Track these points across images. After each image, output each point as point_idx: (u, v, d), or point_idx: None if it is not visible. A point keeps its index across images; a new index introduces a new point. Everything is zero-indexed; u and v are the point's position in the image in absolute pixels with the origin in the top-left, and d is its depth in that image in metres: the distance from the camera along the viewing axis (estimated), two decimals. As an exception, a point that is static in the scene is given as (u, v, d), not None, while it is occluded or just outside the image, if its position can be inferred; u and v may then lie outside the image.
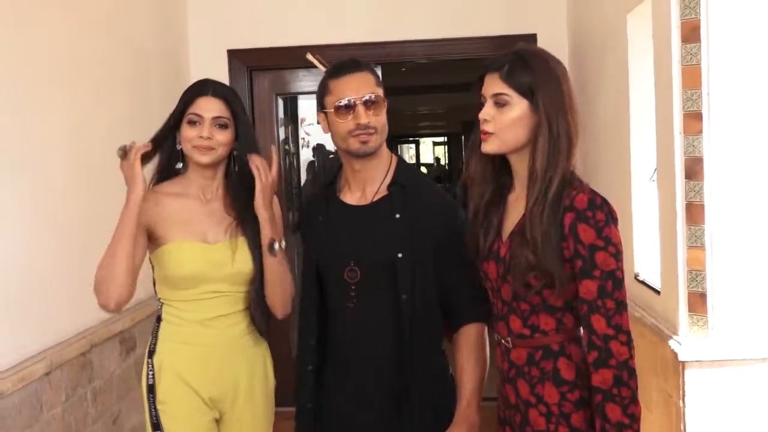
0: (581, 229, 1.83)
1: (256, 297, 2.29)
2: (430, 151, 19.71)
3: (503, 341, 1.98)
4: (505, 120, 1.91)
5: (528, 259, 1.85)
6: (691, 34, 2.59)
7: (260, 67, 4.73)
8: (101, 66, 3.42)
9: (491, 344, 2.14)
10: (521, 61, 1.92)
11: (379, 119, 2.15)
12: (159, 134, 2.32)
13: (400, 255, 2.09)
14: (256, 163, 2.24)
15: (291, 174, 6.07)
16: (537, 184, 1.87)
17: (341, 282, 2.15)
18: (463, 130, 14.33)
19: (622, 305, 1.86)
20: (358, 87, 2.14)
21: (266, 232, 2.25)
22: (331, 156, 9.60)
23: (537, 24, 4.59)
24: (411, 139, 18.64)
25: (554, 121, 1.88)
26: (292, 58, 4.71)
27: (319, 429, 2.22)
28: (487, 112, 1.92)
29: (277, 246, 2.26)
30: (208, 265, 2.22)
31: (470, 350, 2.12)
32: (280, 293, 2.31)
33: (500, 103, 1.91)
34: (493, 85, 1.92)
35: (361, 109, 2.13)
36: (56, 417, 2.83)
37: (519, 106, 1.90)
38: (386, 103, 2.19)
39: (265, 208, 2.25)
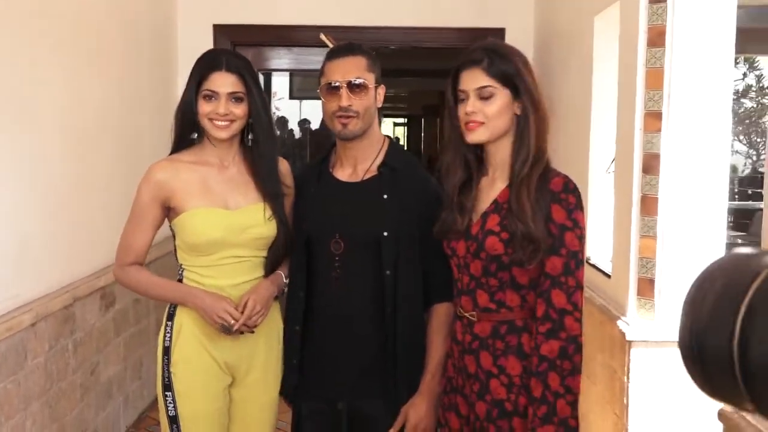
0: (554, 210, 1.87)
1: (273, 262, 2.23)
2: (390, 131, 19.65)
3: (467, 315, 1.99)
4: (493, 110, 1.92)
5: (519, 228, 1.86)
6: (656, 38, 2.61)
7: (244, 42, 4.64)
8: (96, 36, 3.34)
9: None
10: (497, 53, 1.94)
11: (362, 103, 2.11)
12: (181, 115, 2.20)
13: (385, 233, 2.08)
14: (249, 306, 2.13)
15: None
16: (528, 163, 1.90)
17: (327, 252, 2.14)
18: (423, 113, 14.32)
19: (579, 285, 1.88)
20: (346, 71, 2.12)
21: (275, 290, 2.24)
22: (297, 137, 9.57)
23: (505, 18, 4.58)
24: (373, 118, 18.53)
25: (539, 105, 1.93)
26: (273, 35, 4.65)
27: (303, 385, 2.22)
28: (473, 104, 1.92)
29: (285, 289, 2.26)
30: (228, 230, 2.14)
31: (439, 327, 2.13)
32: None
33: (485, 96, 1.92)
34: (476, 79, 1.92)
35: (344, 92, 2.10)
36: (39, 366, 2.78)
37: (503, 95, 1.92)
38: (376, 88, 2.16)
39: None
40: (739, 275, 0.76)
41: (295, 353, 2.22)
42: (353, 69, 2.12)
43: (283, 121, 9.31)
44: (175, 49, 4.47)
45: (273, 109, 8.49)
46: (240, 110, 2.16)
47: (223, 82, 2.14)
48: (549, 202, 1.87)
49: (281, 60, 4.98)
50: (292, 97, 9.07)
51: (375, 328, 2.12)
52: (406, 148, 17.70)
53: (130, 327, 3.74)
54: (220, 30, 4.54)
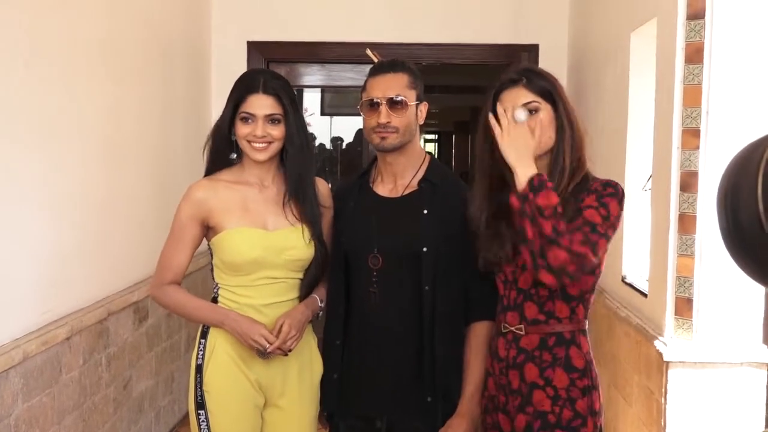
0: (586, 197, 1.91)
1: (309, 284, 2.24)
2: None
3: (513, 329, 1.99)
4: (541, 125, 1.96)
5: None
6: (694, 55, 2.60)
7: (277, 59, 4.70)
8: (132, 54, 3.39)
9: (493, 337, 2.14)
10: (534, 72, 2.04)
11: (401, 120, 2.13)
12: (216, 137, 2.24)
13: (425, 249, 2.09)
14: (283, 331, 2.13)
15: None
16: (565, 179, 1.94)
17: (365, 267, 2.15)
18: (454, 129, 14.32)
19: (589, 243, 1.81)
20: (386, 87, 2.14)
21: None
22: (328, 153, 9.62)
23: (539, 35, 4.58)
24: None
25: (573, 122, 1.98)
26: (306, 52, 4.70)
27: (344, 398, 2.22)
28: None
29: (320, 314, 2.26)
30: (267, 251, 2.15)
31: (479, 347, 2.13)
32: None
33: (531, 111, 1.96)
34: (519, 96, 1.98)
35: (384, 108, 2.12)
36: (74, 380, 2.81)
37: (547, 110, 1.98)
38: (417, 105, 2.17)
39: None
40: (749, 158, 0.88)
41: (335, 368, 2.22)
42: (394, 86, 2.14)
43: (311, 137, 9.38)
44: (209, 66, 4.53)
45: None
46: (278, 132, 2.17)
47: (260, 104, 2.16)
48: (585, 197, 1.90)
49: (313, 76, 5.03)
50: (323, 113, 9.15)
51: (413, 344, 2.12)
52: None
53: (162, 342, 3.77)
54: (254, 47, 4.60)
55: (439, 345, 2.09)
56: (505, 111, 1.95)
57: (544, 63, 4.31)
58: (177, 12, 4.05)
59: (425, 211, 2.13)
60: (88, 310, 2.93)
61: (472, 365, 2.12)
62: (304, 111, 8.91)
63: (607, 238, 1.88)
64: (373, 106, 2.13)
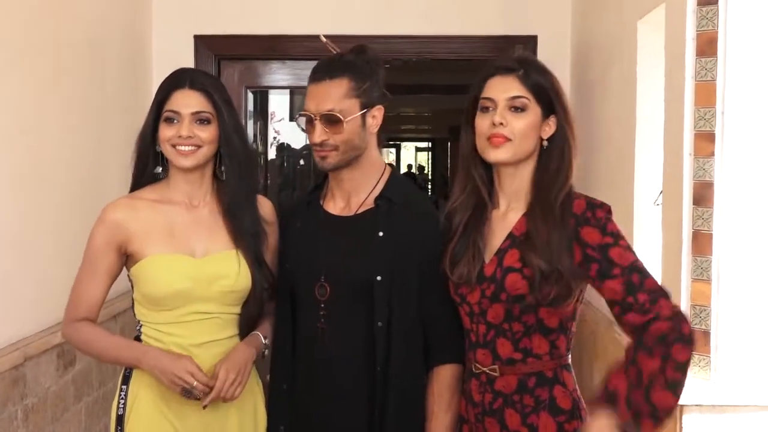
0: (585, 233, 1.96)
1: (248, 320, 2.24)
2: (412, 156, 19.74)
3: (486, 370, 2.00)
4: (522, 126, 2.01)
5: (541, 268, 1.94)
6: (707, 47, 2.62)
7: (230, 56, 4.73)
8: (49, 51, 3.36)
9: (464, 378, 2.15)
10: (533, 65, 2.09)
11: (340, 137, 2.14)
12: (140, 144, 2.26)
13: (378, 278, 2.10)
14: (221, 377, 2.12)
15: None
16: (552, 193, 2.00)
17: (311, 298, 2.16)
18: (450, 136, 14.39)
19: (657, 293, 1.94)
20: (320, 100, 2.15)
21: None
22: (301, 165, 9.61)
23: (538, 25, 4.62)
24: (392, 142, 18.65)
25: (572, 130, 2.05)
26: (266, 47, 4.72)
27: None
28: (502, 115, 2.00)
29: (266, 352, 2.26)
30: (195, 281, 2.16)
31: (442, 394, 2.14)
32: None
33: (518, 108, 2.01)
34: (509, 87, 2.02)
35: (317, 125, 2.14)
36: (-18, 437, 2.80)
37: (535, 111, 2.02)
38: (365, 114, 2.16)
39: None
40: None
41: (282, 418, 2.23)
42: (329, 98, 2.14)
43: (282, 147, 9.37)
44: (149, 65, 4.53)
45: (273, 133, 8.57)
46: (207, 134, 2.19)
47: (186, 102, 2.18)
48: (575, 228, 1.96)
49: (276, 75, 5.04)
50: (292, 118, 9.14)
51: (365, 392, 2.12)
52: (431, 176, 17.72)
53: (93, 391, 3.76)
54: (202, 42, 4.61)
55: (393, 394, 2.10)
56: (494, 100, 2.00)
57: (544, 57, 4.29)
58: (107, 1, 4.05)
59: (380, 234, 2.14)
60: (0, 353, 2.92)
61: (436, 417, 2.13)
62: (270, 116, 8.96)
63: (644, 268, 2.02)
64: (309, 122, 2.15)
